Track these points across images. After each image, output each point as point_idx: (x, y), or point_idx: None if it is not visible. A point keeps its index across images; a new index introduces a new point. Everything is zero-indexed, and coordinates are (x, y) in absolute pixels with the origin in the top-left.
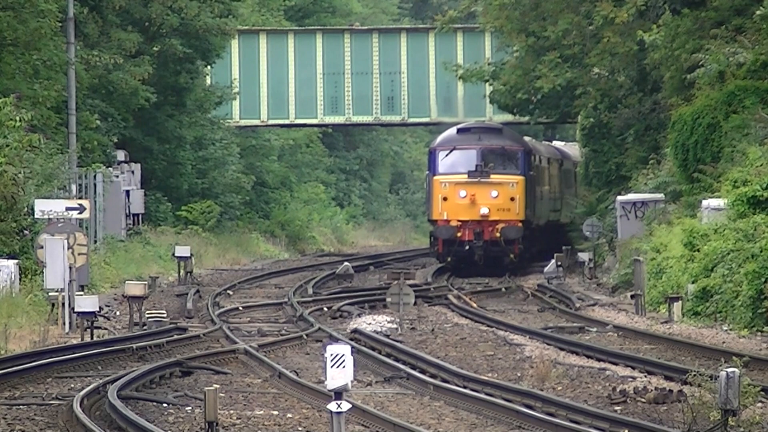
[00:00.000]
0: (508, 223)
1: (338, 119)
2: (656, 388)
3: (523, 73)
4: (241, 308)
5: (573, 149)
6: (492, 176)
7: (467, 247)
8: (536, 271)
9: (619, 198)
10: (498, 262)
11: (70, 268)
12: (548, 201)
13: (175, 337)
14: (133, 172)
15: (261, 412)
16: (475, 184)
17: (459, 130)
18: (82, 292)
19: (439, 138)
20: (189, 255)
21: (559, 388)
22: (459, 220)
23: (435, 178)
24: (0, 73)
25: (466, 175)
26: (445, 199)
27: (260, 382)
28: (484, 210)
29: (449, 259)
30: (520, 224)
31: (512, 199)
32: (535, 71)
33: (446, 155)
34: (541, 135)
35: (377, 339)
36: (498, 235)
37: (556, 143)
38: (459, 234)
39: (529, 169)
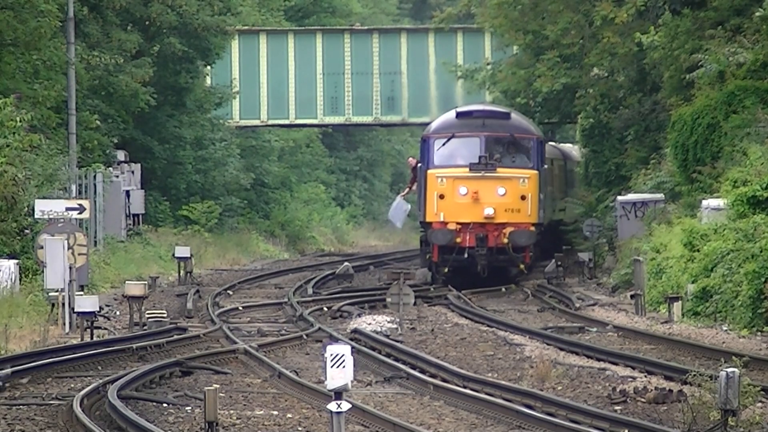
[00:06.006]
0: (517, 227)
1: (338, 119)
2: (656, 388)
3: (522, 77)
4: (241, 308)
5: (573, 149)
6: (499, 170)
7: (466, 255)
8: (536, 271)
9: (619, 198)
10: (504, 273)
11: (70, 268)
12: (553, 201)
13: (175, 337)
14: (133, 172)
15: (261, 412)
16: (479, 179)
17: (459, 114)
18: (82, 292)
19: (435, 123)
20: (189, 255)
21: (559, 388)
22: (458, 223)
23: (429, 171)
24: (0, 73)
25: (467, 169)
26: (441, 197)
27: (260, 382)
28: (489, 210)
29: (446, 269)
30: (532, 228)
31: (523, 197)
32: (533, 71)
33: (443, 144)
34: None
35: (377, 339)
36: (505, 240)
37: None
38: (458, 239)
39: (543, 161)
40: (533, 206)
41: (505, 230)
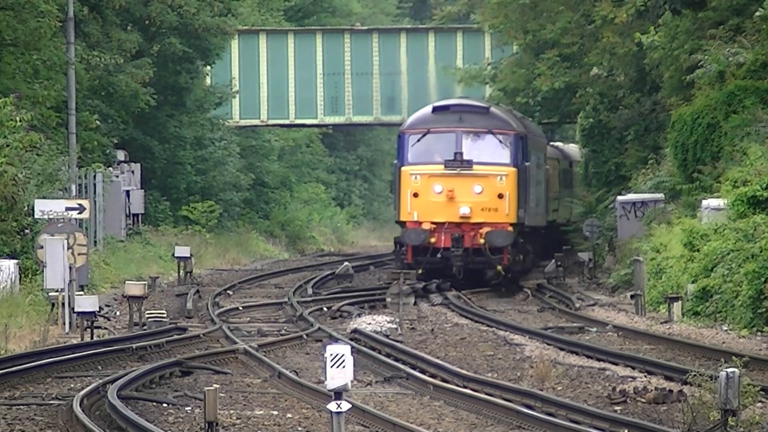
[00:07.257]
0: (494, 227)
1: (338, 119)
2: (656, 388)
3: (522, 76)
4: (241, 308)
5: (565, 148)
6: (475, 167)
7: (439, 255)
8: (536, 271)
9: (619, 198)
10: (481, 276)
11: (70, 268)
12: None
13: (175, 337)
14: (133, 172)
15: (261, 412)
16: (454, 176)
17: (435, 109)
18: (82, 292)
19: (411, 118)
20: (189, 255)
21: (559, 388)
22: (433, 223)
23: (403, 168)
24: (0, 73)
25: (442, 166)
26: (415, 195)
27: (260, 382)
28: (465, 209)
29: (420, 271)
30: (510, 228)
31: (500, 196)
32: (533, 70)
33: (418, 140)
34: None
35: (377, 339)
36: (482, 241)
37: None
38: (432, 240)
39: (524, 158)
40: (511, 205)
41: (482, 230)
